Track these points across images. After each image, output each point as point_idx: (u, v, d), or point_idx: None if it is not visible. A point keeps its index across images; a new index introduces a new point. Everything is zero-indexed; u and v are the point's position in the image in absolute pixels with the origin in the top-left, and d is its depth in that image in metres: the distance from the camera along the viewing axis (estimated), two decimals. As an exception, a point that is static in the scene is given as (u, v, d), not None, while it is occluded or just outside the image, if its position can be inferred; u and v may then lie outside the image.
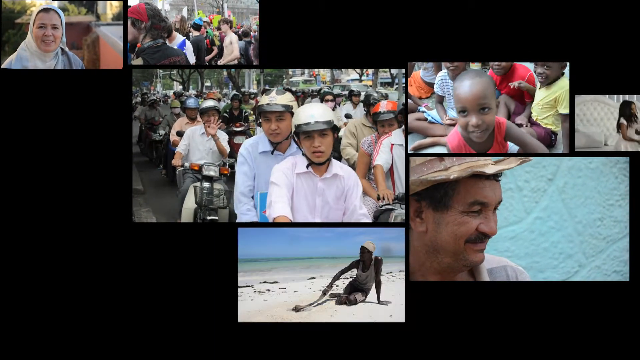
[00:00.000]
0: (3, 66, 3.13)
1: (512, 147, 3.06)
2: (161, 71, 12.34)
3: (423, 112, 3.55)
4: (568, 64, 3.20)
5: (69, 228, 3.17)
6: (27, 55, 3.11)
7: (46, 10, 3.09)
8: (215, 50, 5.32)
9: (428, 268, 2.25)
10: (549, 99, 3.24)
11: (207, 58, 5.29)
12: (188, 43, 4.16)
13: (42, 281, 3.20)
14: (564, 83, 3.20)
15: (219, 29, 5.53)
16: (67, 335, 3.20)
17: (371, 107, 6.41)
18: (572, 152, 3.19)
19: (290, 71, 11.16)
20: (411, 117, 3.49)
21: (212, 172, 5.08)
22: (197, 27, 5.38)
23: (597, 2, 3.16)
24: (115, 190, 3.19)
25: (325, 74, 11.20)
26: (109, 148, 3.19)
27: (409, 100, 3.61)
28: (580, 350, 3.14)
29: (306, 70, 11.57)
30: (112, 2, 3.23)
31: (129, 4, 3.23)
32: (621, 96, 3.24)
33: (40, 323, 3.19)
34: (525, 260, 3.26)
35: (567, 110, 3.20)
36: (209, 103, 5.59)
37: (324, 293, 3.12)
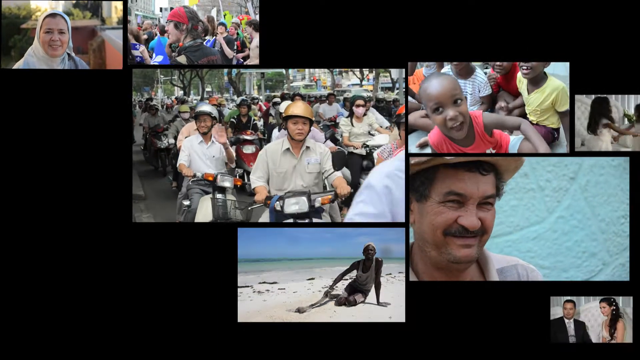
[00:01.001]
0: (12, 72, 3.15)
1: (512, 146, 3.06)
2: (162, 76, 12.36)
3: (426, 109, 3.54)
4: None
5: (69, 227, 3.17)
6: (34, 61, 3.11)
7: (53, 15, 3.10)
8: (247, 52, 5.24)
9: (427, 265, 2.25)
10: (547, 103, 3.24)
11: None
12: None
13: (43, 282, 3.20)
14: (557, 83, 3.20)
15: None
16: (67, 335, 3.19)
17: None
18: (572, 152, 3.19)
19: (291, 76, 11.19)
20: (415, 114, 3.47)
21: (227, 182, 4.89)
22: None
23: (597, 2, 3.17)
24: (115, 190, 3.19)
25: (325, 79, 11.25)
26: (108, 147, 3.19)
27: (413, 99, 3.59)
28: (579, 349, 3.14)
29: (307, 75, 11.61)
30: (117, 5, 3.23)
31: (128, 4, 3.25)
32: (620, 96, 3.23)
33: (41, 323, 3.18)
34: (549, 260, 3.23)
35: (565, 107, 3.20)
36: (204, 107, 5.37)
37: (326, 294, 3.13)
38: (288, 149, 4.30)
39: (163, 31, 4.85)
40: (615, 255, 3.25)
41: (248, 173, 6.23)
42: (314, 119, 4.33)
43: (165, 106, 10.73)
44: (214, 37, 5.33)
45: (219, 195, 4.77)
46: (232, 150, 5.49)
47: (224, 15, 6.16)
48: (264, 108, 9.61)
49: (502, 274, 2.30)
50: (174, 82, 13.09)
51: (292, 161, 4.29)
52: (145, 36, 5.35)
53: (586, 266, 3.23)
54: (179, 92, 12.67)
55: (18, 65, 3.11)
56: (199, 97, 12.04)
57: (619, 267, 3.25)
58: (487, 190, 2.13)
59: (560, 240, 3.24)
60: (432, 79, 2.81)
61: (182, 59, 3.70)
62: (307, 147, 4.33)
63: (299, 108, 4.29)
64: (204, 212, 4.66)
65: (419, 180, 2.19)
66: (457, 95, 2.77)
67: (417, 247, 2.28)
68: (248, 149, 6.72)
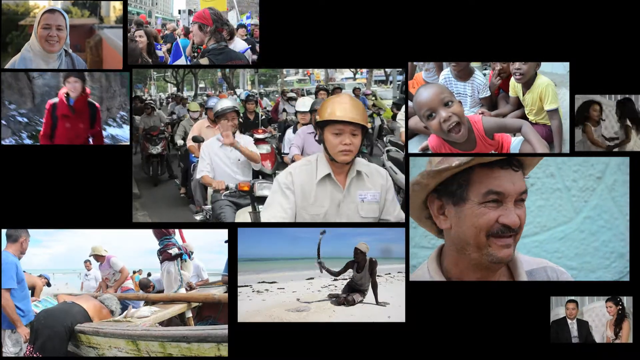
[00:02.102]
0: (7, 67, 3.13)
1: (514, 148, 3.07)
2: (155, 73, 12.29)
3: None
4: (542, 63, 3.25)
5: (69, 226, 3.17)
6: (30, 56, 3.10)
7: (51, 11, 3.09)
8: None
9: (462, 267, 2.26)
10: (536, 100, 3.27)
11: None
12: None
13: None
14: (542, 80, 3.23)
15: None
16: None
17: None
18: (572, 152, 3.20)
19: (284, 71, 11.10)
20: (416, 118, 3.47)
21: (268, 191, 3.59)
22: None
23: (597, 2, 3.18)
24: (116, 189, 3.18)
25: (319, 73, 11.18)
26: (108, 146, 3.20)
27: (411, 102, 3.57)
28: (579, 349, 3.15)
29: (300, 70, 11.53)
30: (116, 5, 3.24)
31: (129, 3, 3.25)
32: (619, 96, 3.24)
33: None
34: (576, 261, 3.22)
35: (552, 106, 3.22)
36: (227, 103, 4.54)
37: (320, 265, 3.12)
38: (329, 175, 2.79)
39: (188, 33, 4.77)
40: None
41: (266, 176, 4.90)
42: (369, 126, 2.92)
43: (168, 103, 10.46)
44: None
45: (261, 207, 3.72)
46: (252, 146, 4.66)
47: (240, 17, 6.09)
48: (265, 104, 9.24)
49: (531, 275, 2.32)
50: (167, 79, 13.00)
51: (336, 196, 2.81)
52: (166, 45, 5.15)
53: (614, 267, 3.22)
54: (172, 89, 12.60)
55: (14, 60, 3.11)
56: (192, 94, 11.94)
57: None
58: (522, 187, 2.16)
59: (587, 241, 3.23)
60: (420, 90, 2.87)
61: (204, 61, 3.63)
62: (359, 173, 2.84)
63: (345, 108, 2.71)
64: None
65: (455, 183, 2.18)
66: (446, 97, 2.83)
67: (451, 250, 2.27)
68: (263, 149, 5.74)
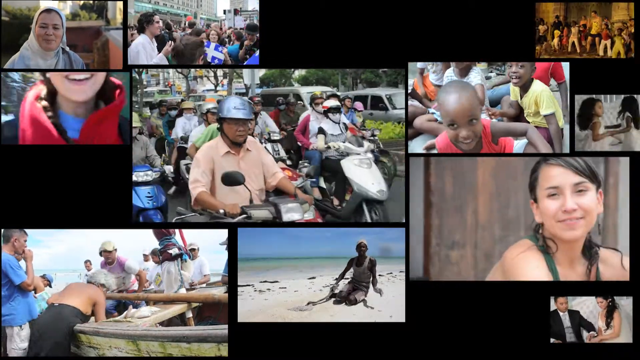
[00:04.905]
0: (6, 65, 3.17)
1: (517, 151, 3.09)
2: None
3: (433, 113, 3.54)
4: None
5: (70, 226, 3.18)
6: (29, 54, 3.16)
7: (48, 11, 3.15)
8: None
9: None
10: (532, 105, 3.32)
11: None
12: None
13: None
14: (537, 86, 3.28)
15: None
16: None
17: None
18: (573, 152, 3.20)
19: (145, 81, 10.80)
20: (422, 118, 3.48)
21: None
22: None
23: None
24: (116, 189, 3.18)
25: (180, 84, 11.02)
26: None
27: (418, 102, 3.57)
28: (579, 349, 3.15)
29: (161, 80, 11.30)
30: (121, 7, 3.30)
31: (129, 5, 3.29)
32: (614, 96, 3.24)
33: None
34: None
35: (548, 111, 3.26)
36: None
37: (332, 290, 3.15)
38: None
39: (240, 37, 4.68)
40: None
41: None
42: None
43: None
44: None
45: None
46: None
47: None
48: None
49: None
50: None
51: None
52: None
53: None
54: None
55: (13, 58, 3.17)
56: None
57: None
58: None
59: None
60: (451, 92, 2.86)
61: None
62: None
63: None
64: None
65: None
66: (473, 114, 2.84)
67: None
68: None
